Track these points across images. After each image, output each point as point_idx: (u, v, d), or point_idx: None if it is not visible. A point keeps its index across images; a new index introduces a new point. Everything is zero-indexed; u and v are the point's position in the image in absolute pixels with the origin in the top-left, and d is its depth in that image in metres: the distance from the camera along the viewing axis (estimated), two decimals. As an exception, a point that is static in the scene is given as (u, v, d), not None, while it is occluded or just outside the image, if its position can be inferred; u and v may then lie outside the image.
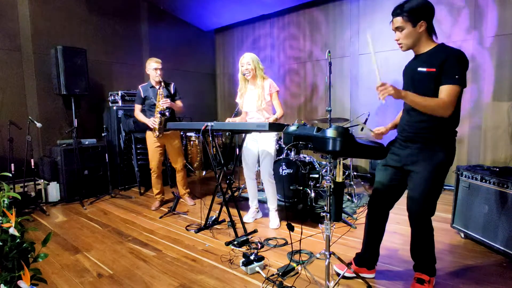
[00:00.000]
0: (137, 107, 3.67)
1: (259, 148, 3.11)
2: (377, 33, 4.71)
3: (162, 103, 3.43)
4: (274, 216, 3.13)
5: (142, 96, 3.62)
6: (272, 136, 3.06)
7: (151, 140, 3.63)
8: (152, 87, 3.61)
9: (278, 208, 3.17)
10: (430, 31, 1.77)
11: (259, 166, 3.24)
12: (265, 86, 3.00)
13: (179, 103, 3.70)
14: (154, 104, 3.54)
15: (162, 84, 3.51)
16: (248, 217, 3.25)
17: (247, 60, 2.96)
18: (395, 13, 1.76)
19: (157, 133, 3.50)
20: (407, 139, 1.84)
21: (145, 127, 3.64)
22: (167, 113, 3.46)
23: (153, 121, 3.49)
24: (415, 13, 1.70)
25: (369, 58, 4.85)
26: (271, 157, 3.05)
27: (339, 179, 1.77)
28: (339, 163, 1.80)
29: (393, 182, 1.93)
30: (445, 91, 1.64)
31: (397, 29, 1.77)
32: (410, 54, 1.88)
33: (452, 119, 1.75)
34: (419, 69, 1.76)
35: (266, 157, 3.05)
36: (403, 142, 1.87)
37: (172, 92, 3.69)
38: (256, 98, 3.01)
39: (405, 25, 1.73)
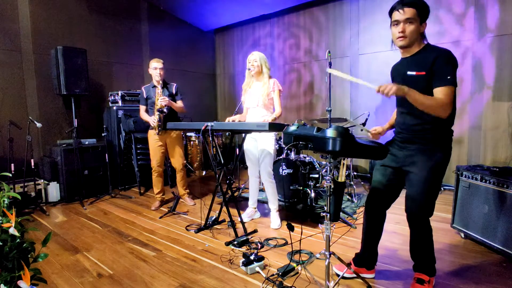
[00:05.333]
0: (142, 108, 3.74)
1: (258, 147, 3.12)
2: (377, 33, 4.72)
3: (160, 101, 3.47)
4: (275, 217, 3.13)
5: (145, 97, 3.69)
6: (271, 136, 3.07)
7: (153, 140, 3.66)
8: (154, 87, 3.66)
9: (278, 208, 3.18)
10: (423, 34, 1.77)
11: None
12: (270, 83, 3.06)
13: (179, 103, 3.72)
14: (154, 103, 3.58)
15: (161, 83, 3.55)
16: (244, 216, 3.24)
17: (254, 57, 3.07)
18: (410, 3, 1.66)
19: (157, 131, 3.54)
20: (404, 140, 1.84)
21: (144, 127, 3.66)
22: (165, 110, 3.52)
23: (153, 120, 3.54)
24: (425, 11, 1.70)
25: (369, 58, 4.85)
26: (270, 157, 3.05)
27: (342, 179, 1.77)
28: (343, 164, 1.80)
29: (391, 182, 1.93)
30: (441, 93, 1.64)
31: (407, 20, 1.68)
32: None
33: (448, 119, 1.75)
34: (409, 73, 1.75)
35: (265, 157, 3.05)
36: (400, 143, 1.87)
37: (174, 92, 3.74)
38: (259, 93, 3.06)
39: (415, 19, 1.68)
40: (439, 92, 1.64)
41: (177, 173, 3.86)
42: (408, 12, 1.67)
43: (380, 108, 4.71)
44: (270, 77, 3.10)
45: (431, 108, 1.64)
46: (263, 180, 3.14)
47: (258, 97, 3.06)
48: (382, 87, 1.59)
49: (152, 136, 3.66)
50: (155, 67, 3.58)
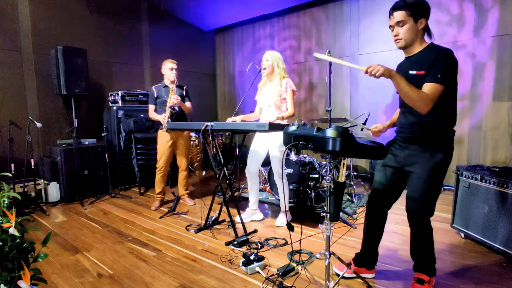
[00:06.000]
0: (151, 107, 3.74)
1: (268, 147, 3.13)
2: (377, 33, 4.72)
3: (173, 98, 3.51)
4: (281, 215, 3.16)
5: (155, 96, 3.72)
6: (281, 135, 3.05)
7: (163, 140, 3.66)
8: (166, 86, 3.70)
9: (286, 209, 3.15)
10: (425, 31, 1.78)
11: (262, 166, 3.27)
12: (282, 83, 3.06)
13: (188, 104, 3.77)
14: (165, 101, 3.61)
15: (176, 82, 3.64)
16: (243, 216, 3.24)
17: (266, 56, 3.07)
18: (398, 7, 1.72)
19: (165, 128, 3.55)
20: (405, 140, 1.85)
21: (145, 127, 3.66)
22: (176, 108, 3.56)
23: (164, 116, 3.56)
24: (418, 8, 1.71)
25: (369, 58, 4.85)
26: (277, 156, 3.07)
27: (342, 179, 1.77)
28: (343, 164, 1.80)
29: (392, 182, 1.93)
30: (426, 89, 1.65)
31: (398, 23, 1.74)
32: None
33: (449, 119, 1.76)
34: (410, 72, 1.76)
35: (273, 156, 3.09)
36: (401, 142, 1.87)
37: (184, 93, 3.79)
38: (272, 94, 3.05)
39: (407, 20, 1.71)
40: (426, 87, 1.66)
41: (180, 172, 3.87)
42: (397, 15, 1.73)
43: (380, 108, 4.71)
44: (284, 77, 3.08)
45: (412, 99, 1.64)
46: (275, 179, 3.18)
47: (270, 98, 3.07)
48: (370, 68, 1.62)
49: (162, 136, 3.66)
50: (171, 67, 3.64)
